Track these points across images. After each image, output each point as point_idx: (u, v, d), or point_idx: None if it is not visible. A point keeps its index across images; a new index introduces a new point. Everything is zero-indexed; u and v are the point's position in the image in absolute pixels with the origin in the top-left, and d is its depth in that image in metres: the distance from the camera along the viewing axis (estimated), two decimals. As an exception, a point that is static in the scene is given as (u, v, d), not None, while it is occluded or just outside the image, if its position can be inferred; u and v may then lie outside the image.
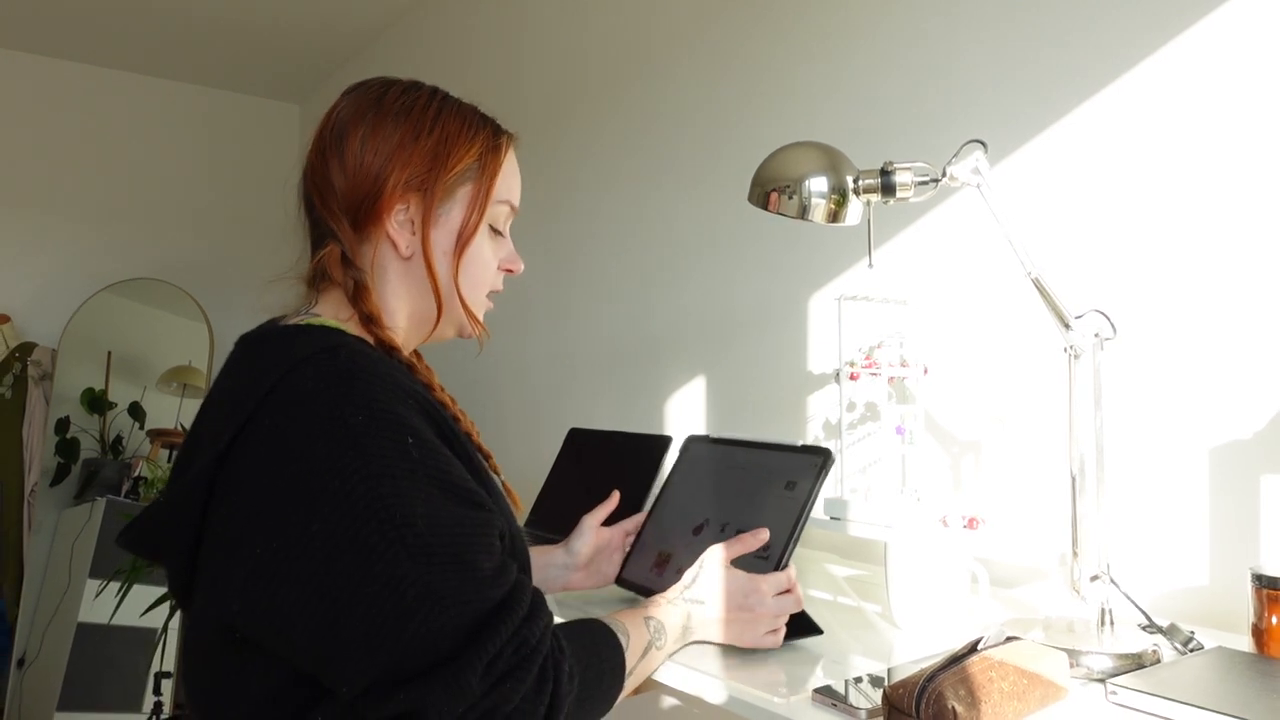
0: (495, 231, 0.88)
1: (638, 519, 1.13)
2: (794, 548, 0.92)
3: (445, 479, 0.68)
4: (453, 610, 0.63)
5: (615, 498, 1.15)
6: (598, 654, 0.76)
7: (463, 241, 0.83)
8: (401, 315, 0.85)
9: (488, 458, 0.86)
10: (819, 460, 0.96)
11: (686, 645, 0.90)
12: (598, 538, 1.10)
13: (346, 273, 0.81)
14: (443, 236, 0.83)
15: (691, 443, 1.15)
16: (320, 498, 0.64)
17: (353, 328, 0.81)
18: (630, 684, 0.79)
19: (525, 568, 0.79)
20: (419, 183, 0.81)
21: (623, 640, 0.79)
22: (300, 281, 0.85)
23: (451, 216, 0.83)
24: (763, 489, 0.99)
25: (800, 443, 1.01)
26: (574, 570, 1.09)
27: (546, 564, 1.08)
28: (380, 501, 0.64)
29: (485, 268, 0.87)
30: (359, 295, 0.81)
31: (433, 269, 0.82)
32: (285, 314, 0.82)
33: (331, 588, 0.63)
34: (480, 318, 0.88)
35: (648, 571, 1.05)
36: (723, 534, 0.99)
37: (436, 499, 0.66)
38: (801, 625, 0.95)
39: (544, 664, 0.67)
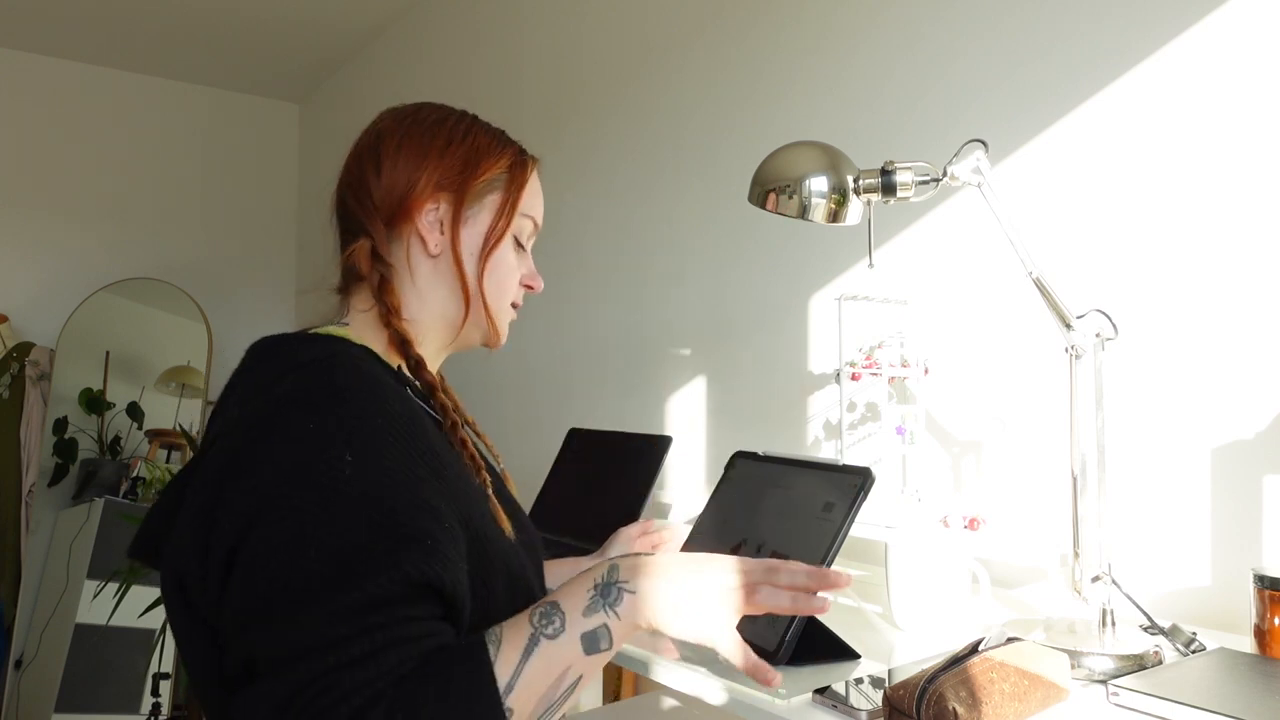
0: (519, 245, 0.91)
1: (670, 533, 1.13)
2: None
3: (377, 502, 0.65)
4: (295, 623, 0.61)
5: (654, 523, 1.16)
6: (446, 692, 0.62)
7: (489, 245, 0.86)
8: (426, 314, 0.86)
9: (492, 470, 0.85)
10: (858, 481, 0.92)
11: (619, 615, 0.67)
12: (634, 549, 1.11)
13: (374, 267, 0.84)
14: (470, 238, 0.86)
15: (738, 459, 1.12)
16: (264, 508, 0.64)
17: (358, 335, 0.81)
18: (528, 693, 0.64)
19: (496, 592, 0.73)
20: (450, 184, 0.85)
21: (490, 651, 0.64)
22: (332, 293, 0.88)
23: (480, 219, 0.87)
24: (801, 510, 0.97)
25: (842, 462, 0.98)
26: None
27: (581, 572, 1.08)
28: (282, 529, 0.63)
29: (509, 276, 0.89)
30: (383, 288, 0.83)
31: (461, 265, 0.85)
32: (312, 325, 0.85)
33: (250, 581, 0.63)
34: (503, 327, 0.91)
35: None
36: (758, 554, 0.97)
37: (357, 523, 0.63)
38: (834, 648, 0.91)
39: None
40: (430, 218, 0.84)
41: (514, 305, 0.92)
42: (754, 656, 0.68)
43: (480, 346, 0.92)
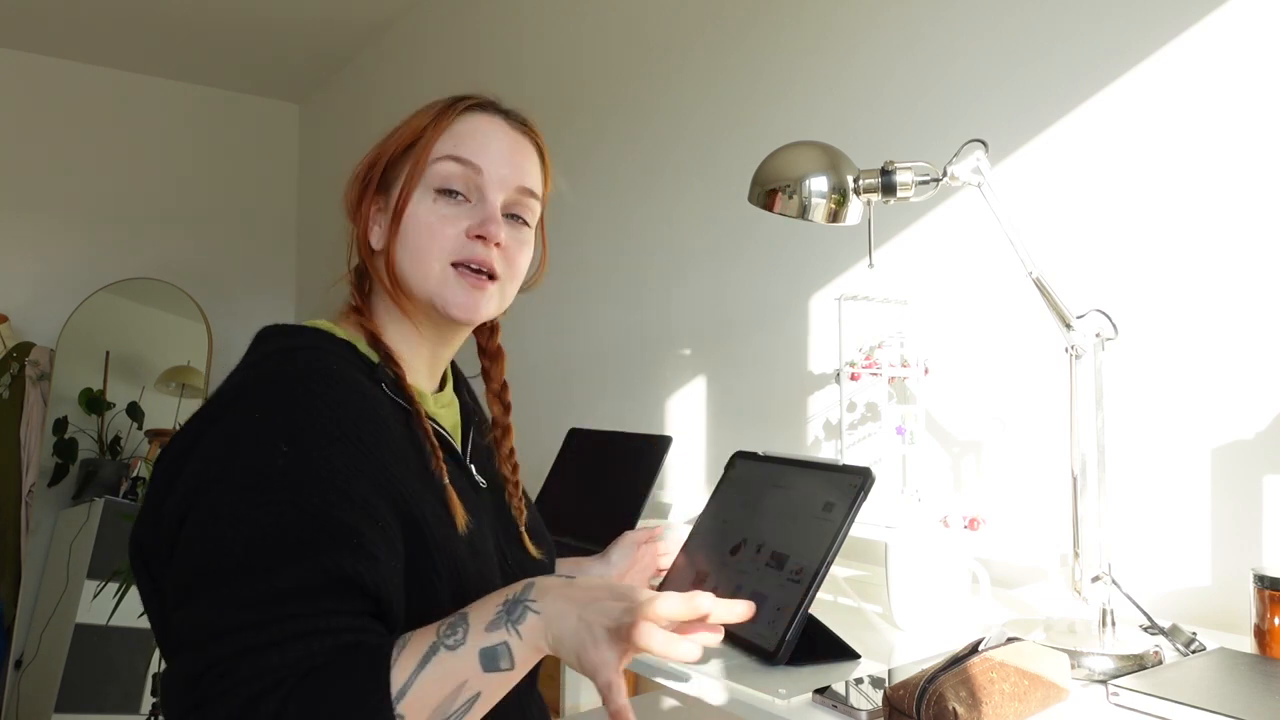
0: (446, 194, 0.80)
1: (673, 539, 1.13)
2: (825, 572, 0.90)
3: (307, 494, 0.65)
4: (217, 606, 0.62)
5: (661, 529, 1.15)
6: (340, 691, 0.61)
7: (399, 213, 0.80)
8: (396, 311, 0.84)
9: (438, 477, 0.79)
10: (858, 481, 0.92)
11: (520, 635, 0.63)
12: (638, 554, 1.10)
13: (353, 271, 0.86)
14: (389, 217, 0.82)
15: (738, 459, 1.12)
16: (204, 488, 0.66)
17: (350, 330, 0.82)
18: (420, 702, 0.61)
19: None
20: (375, 179, 0.83)
21: (393, 655, 0.62)
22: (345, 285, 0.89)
23: (395, 196, 0.81)
24: (801, 511, 0.97)
25: (842, 462, 0.98)
26: None
27: (582, 573, 1.07)
28: (212, 511, 0.65)
29: (426, 235, 0.79)
30: (355, 290, 0.85)
31: (385, 251, 0.82)
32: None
33: (183, 559, 0.66)
34: (446, 295, 0.80)
35: (685, 591, 1.03)
36: (758, 554, 0.97)
37: (282, 512, 0.64)
38: (834, 648, 0.92)
39: (243, 706, 0.59)
40: (372, 221, 0.83)
41: (468, 265, 0.80)
42: (623, 700, 0.61)
43: (445, 316, 0.82)
